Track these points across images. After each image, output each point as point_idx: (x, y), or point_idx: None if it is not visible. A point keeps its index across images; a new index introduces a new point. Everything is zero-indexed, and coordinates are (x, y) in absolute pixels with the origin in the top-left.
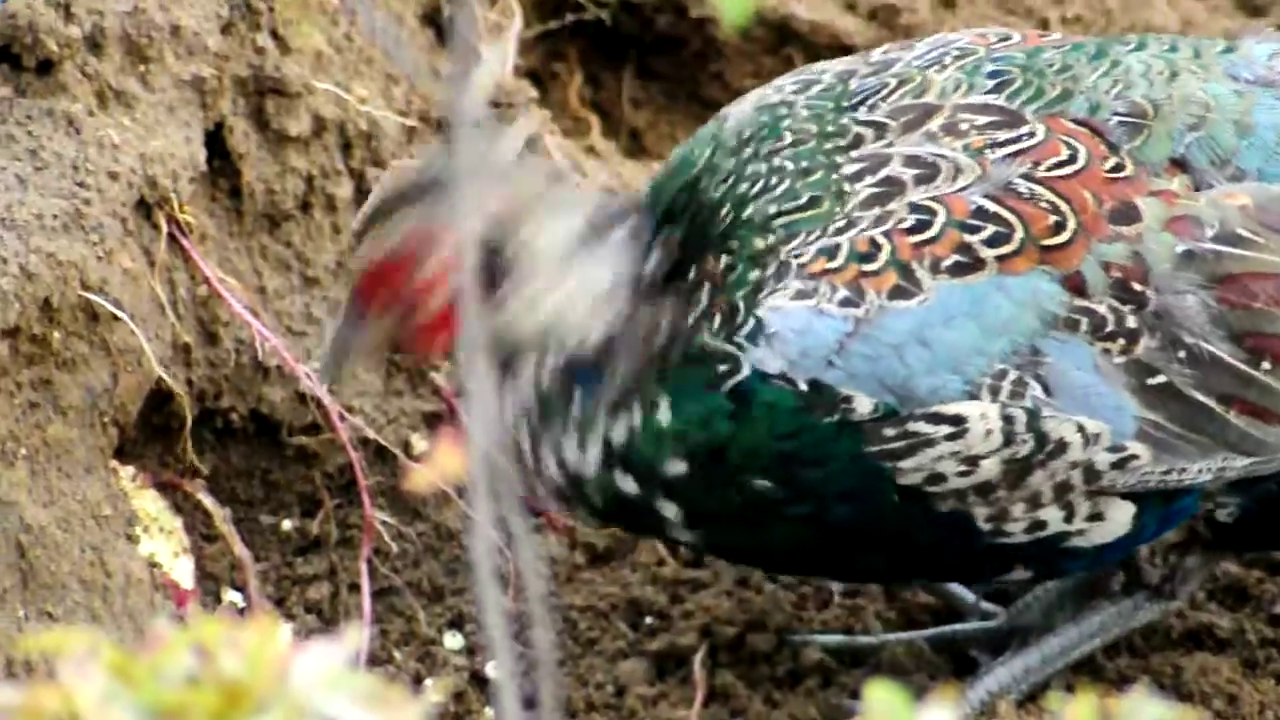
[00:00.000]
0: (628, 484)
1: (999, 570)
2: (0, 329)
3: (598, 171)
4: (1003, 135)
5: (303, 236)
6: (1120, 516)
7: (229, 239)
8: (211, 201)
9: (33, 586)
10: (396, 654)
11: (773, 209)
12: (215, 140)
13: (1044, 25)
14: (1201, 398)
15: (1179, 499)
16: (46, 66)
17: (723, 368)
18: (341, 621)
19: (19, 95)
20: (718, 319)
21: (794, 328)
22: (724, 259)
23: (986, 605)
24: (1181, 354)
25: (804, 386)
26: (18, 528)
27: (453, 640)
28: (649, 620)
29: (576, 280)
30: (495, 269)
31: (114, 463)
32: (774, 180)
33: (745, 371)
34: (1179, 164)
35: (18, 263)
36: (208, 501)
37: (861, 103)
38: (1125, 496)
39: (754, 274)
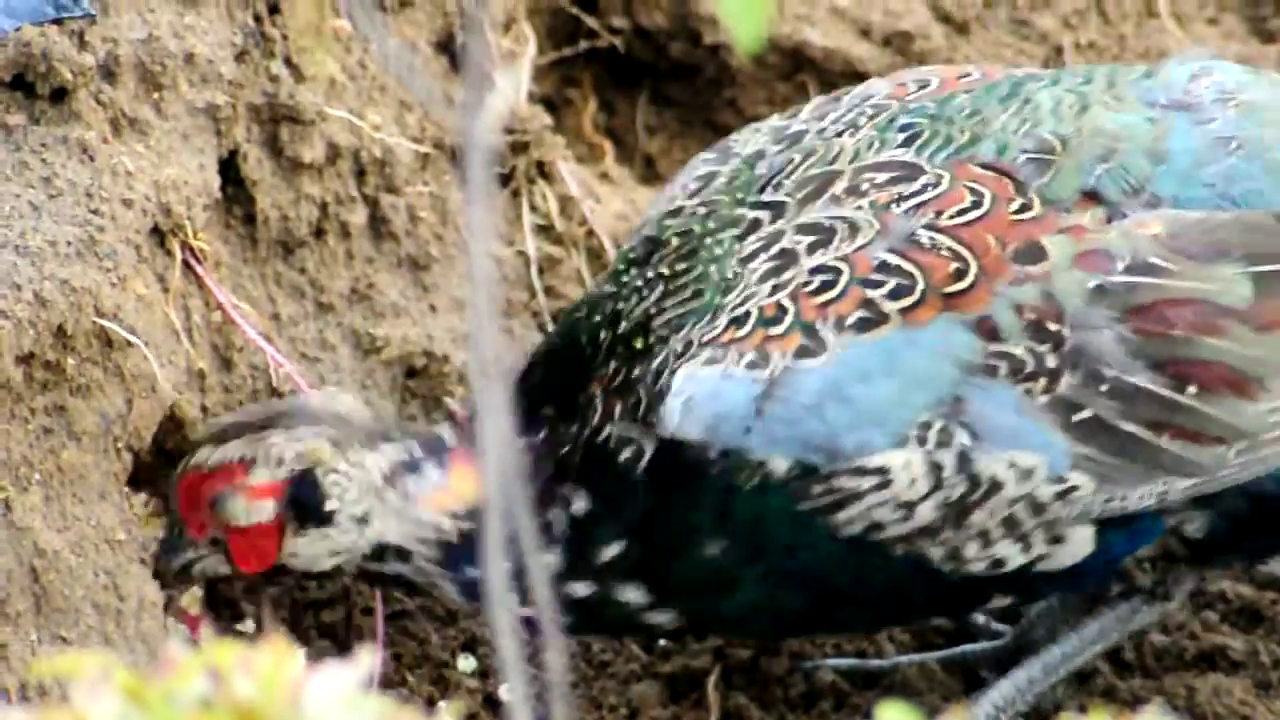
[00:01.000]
0: (580, 588)
1: (978, 601)
2: (14, 355)
3: (612, 198)
4: (905, 189)
5: (316, 263)
6: (1080, 537)
7: (243, 265)
8: (225, 228)
9: (46, 610)
10: (409, 677)
11: (652, 311)
12: (229, 167)
13: (1057, 51)
14: (1131, 428)
15: (1138, 520)
16: (60, 94)
17: (629, 451)
18: (354, 645)
19: (33, 123)
20: (618, 409)
21: (706, 393)
22: (610, 365)
23: (997, 625)
24: (1104, 387)
25: (717, 455)
26: (32, 552)
27: (465, 663)
28: (662, 643)
29: (394, 504)
30: (307, 501)
31: (128, 488)
32: (648, 290)
33: (651, 450)
34: (1091, 196)
35: (32, 289)
36: None
37: (767, 185)
38: (1081, 522)
39: (642, 366)
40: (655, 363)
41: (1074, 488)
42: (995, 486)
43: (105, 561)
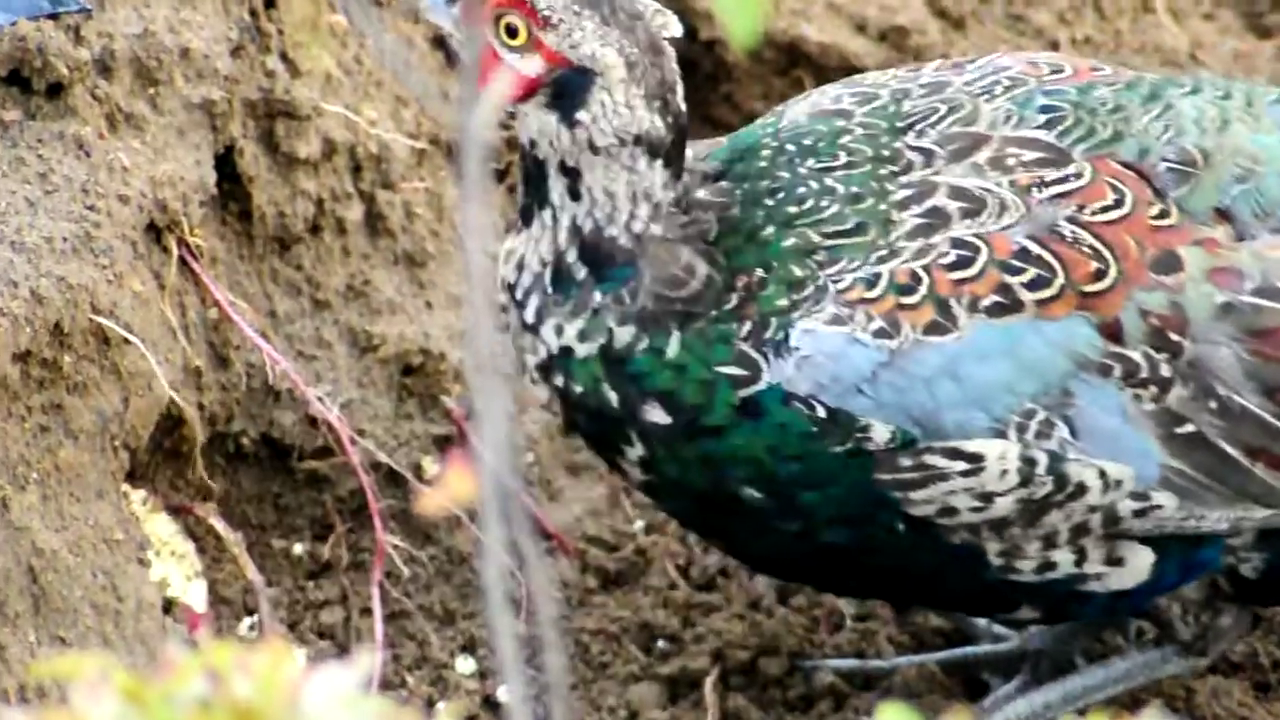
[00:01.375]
0: (609, 391)
1: (1004, 607)
2: (11, 353)
3: None
4: (1050, 174)
5: (313, 259)
6: (1140, 563)
7: (239, 262)
8: (222, 225)
9: (44, 611)
10: (408, 678)
11: (816, 235)
12: (225, 163)
13: (1054, 46)
14: (1229, 448)
15: (1200, 549)
16: (56, 89)
17: (738, 371)
18: (353, 646)
19: (29, 118)
20: (747, 326)
21: (827, 352)
22: (759, 272)
23: (998, 629)
24: (1212, 404)
25: (823, 413)
26: (29, 552)
27: (465, 664)
28: (661, 644)
29: (630, 170)
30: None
31: (125, 487)
32: (823, 203)
33: (762, 384)
34: (1223, 214)
35: (28, 286)
36: (220, 526)
37: (912, 126)
38: (1144, 541)
39: (782, 300)
40: (797, 297)
41: (1156, 506)
42: (1080, 491)
43: (103, 561)
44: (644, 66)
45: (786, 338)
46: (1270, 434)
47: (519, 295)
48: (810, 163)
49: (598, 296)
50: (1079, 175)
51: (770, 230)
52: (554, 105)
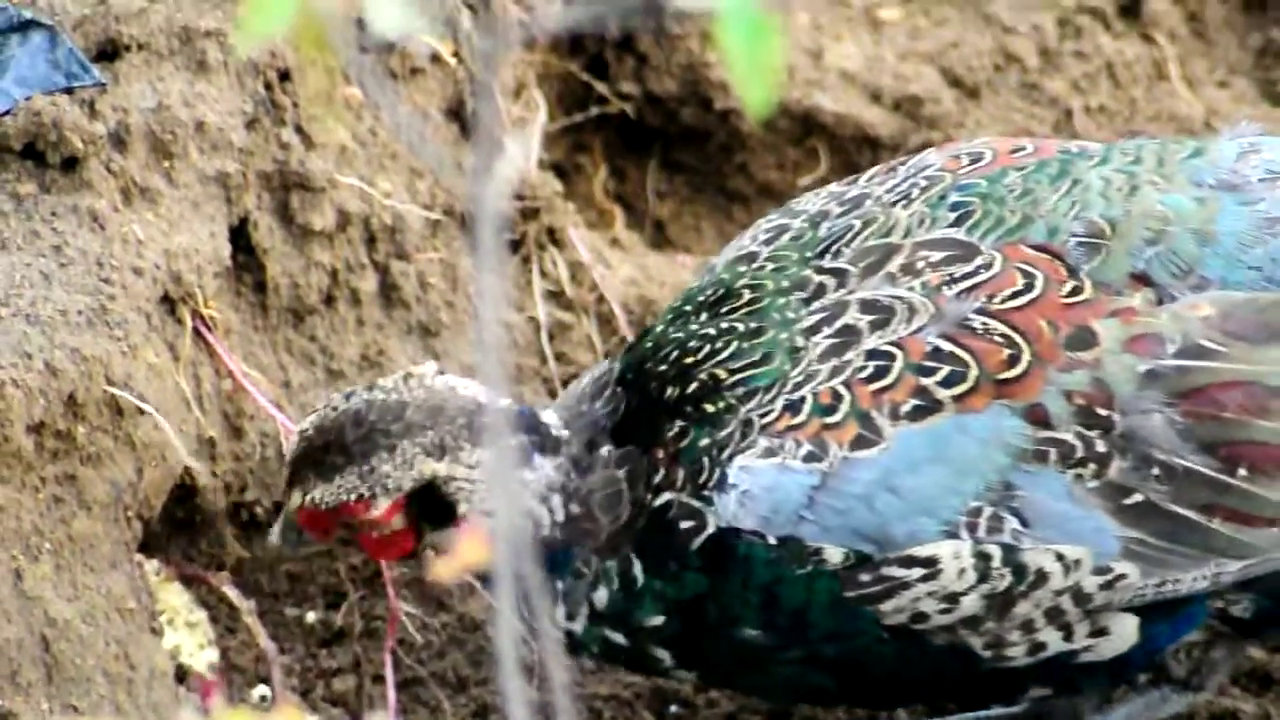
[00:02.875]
0: (617, 637)
1: (1015, 690)
2: (25, 424)
3: (622, 264)
4: (959, 270)
5: (327, 330)
6: (1125, 629)
7: (253, 333)
8: (236, 296)
9: (58, 680)
10: None
11: (722, 371)
12: (240, 235)
13: (1067, 115)
14: (1182, 510)
15: (1184, 606)
16: (71, 163)
17: (689, 524)
18: (366, 713)
19: (44, 192)
20: (680, 477)
21: (763, 485)
22: (675, 426)
23: None
24: (1155, 471)
25: (774, 541)
26: (43, 622)
27: None
28: (674, 709)
29: (516, 487)
30: (435, 506)
31: (139, 556)
32: (721, 344)
33: (712, 528)
34: (1141, 279)
35: (43, 358)
36: (232, 594)
37: (828, 249)
38: (1126, 610)
39: (708, 436)
40: (722, 434)
41: (1121, 576)
42: (1041, 578)
43: (116, 630)
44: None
45: (724, 477)
46: (1220, 489)
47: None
48: (706, 315)
49: (560, 585)
50: (988, 266)
51: (668, 390)
52: (430, 522)
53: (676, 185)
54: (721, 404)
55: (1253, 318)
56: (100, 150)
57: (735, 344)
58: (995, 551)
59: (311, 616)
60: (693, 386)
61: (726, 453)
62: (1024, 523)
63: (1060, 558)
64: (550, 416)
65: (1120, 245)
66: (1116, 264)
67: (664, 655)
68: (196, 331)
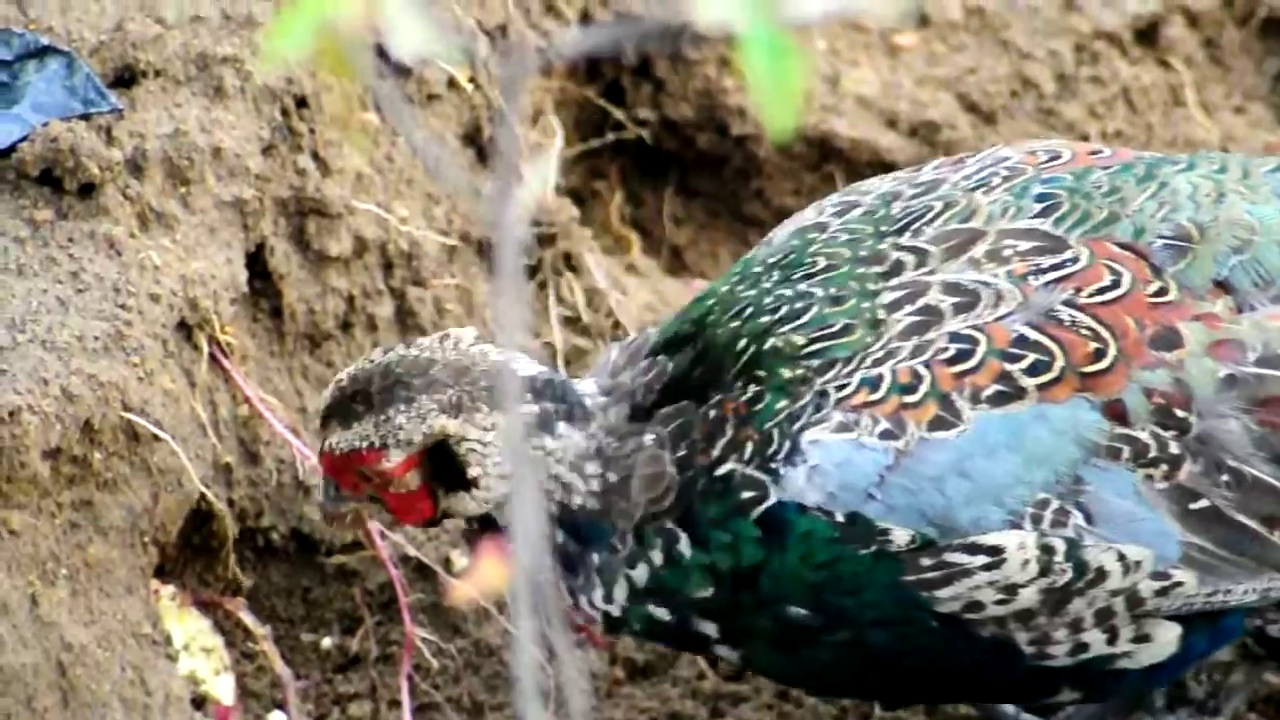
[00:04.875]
0: (661, 612)
1: (1045, 692)
2: (41, 450)
3: (639, 290)
4: (1046, 261)
5: (343, 356)
6: (1167, 637)
7: (270, 359)
8: (253, 322)
9: (74, 705)
10: None
11: (800, 338)
12: (256, 261)
13: (1084, 140)
14: (1245, 520)
15: (1226, 618)
16: (88, 189)
17: (749, 494)
18: None
19: (60, 218)
20: (749, 448)
21: (835, 461)
22: (749, 389)
23: (1027, 717)
24: (1225, 477)
25: (841, 518)
26: (59, 647)
27: None
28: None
29: (545, 455)
30: (449, 466)
31: (155, 582)
32: (800, 306)
33: (773, 499)
34: (1222, 286)
35: (59, 384)
36: (249, 619)
37: (905, 227)
38: (1171, 618)
39: (784, 403)
40: (796, 405)
41: (1178, 584)
42: (1101, 576)
43: (132, 656)
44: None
45: (794, 449)
46: None
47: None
48: (778, 275)
49: (595, 559)
50: (1075, 260)
51: (741, 346)
52: (443, 484)
53: (693, 211)
54: (799, 371)
55: None
56: (117, 176)
57: (815, 309)
58: (1059, 545)
59: (327, 642)
60: (769, 346)
61: (799, 424)
62: (1089, 519)
63: (1122, 558)
64: (585, 385)
65: (1207, 250)
66: (1201, 268)
67: (710, 629)
68: (213, 357)
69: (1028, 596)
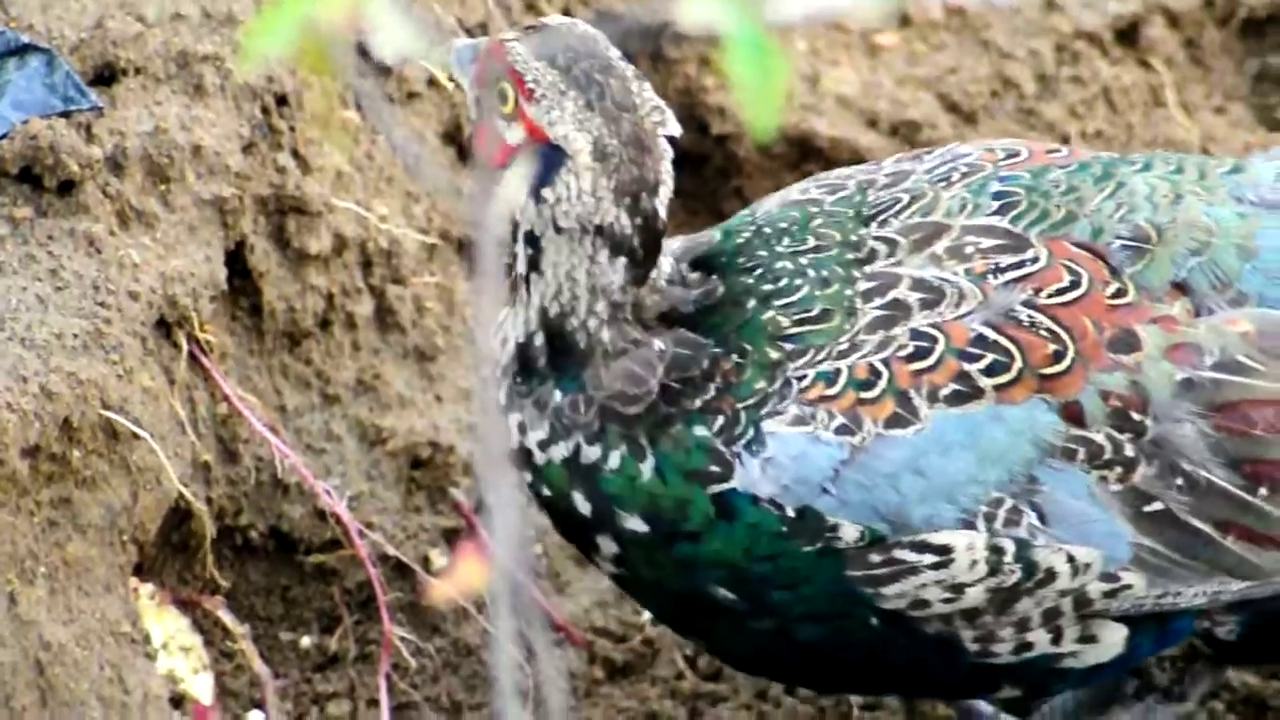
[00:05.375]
0: (579, 499)
1: (986, 689)
2: (20, 448)
3: None
4: (1006, 260)
5: (322, 354)
6: (1113, 638)
7: (249, 357)
8: (232, 320)
9: (52, 704)
10: None
11: (786, 319)
12: (236, 259)
13: (1064, 140)
14: (1198, 524)
15: (1174, 620)
16: (68, 187)
17: (712, 469)
18: None
19: (40, 215)
20: (720, 421)
21: (790, 454)
22: (737, 358)
23: (1006, 717)
24: (1179, 481)
25: (791, 512)
26: (37, 645)
27: None
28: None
29: (583, 255)
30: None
31: (134, 580)
32: (796, 283)
33: (732, 483)
34: (1180, 288)
35: (38, 382)
36: (227, 618)
37: (877, 216)
38: (1118, 619)
39: (760, 384)
40: (768, 387)
41: (1127, 586)
42: (1050, 577)
43: (110, 654)
44: (620, 159)
45: (755, 437)
46: (1239, 506)
47: (497, 373)
48: (785, 242)
49: (557, 396)
50: (1035, 259)
51: (751, 304)
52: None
53: (673, 208)
54: (778, 354)
55: None
56: (97, 174)
57: (805, 290)
58: (1008, 545)
59: (306, 641)
60: (764, 318)
61: (764, 410)
62: (1042, 518)
63: (1071, 559)
64: (665, 261)
65: (1165, 252)
66: (1159, 270)
67: (610, 547)
68: (192, 355)
69: (974, 595)
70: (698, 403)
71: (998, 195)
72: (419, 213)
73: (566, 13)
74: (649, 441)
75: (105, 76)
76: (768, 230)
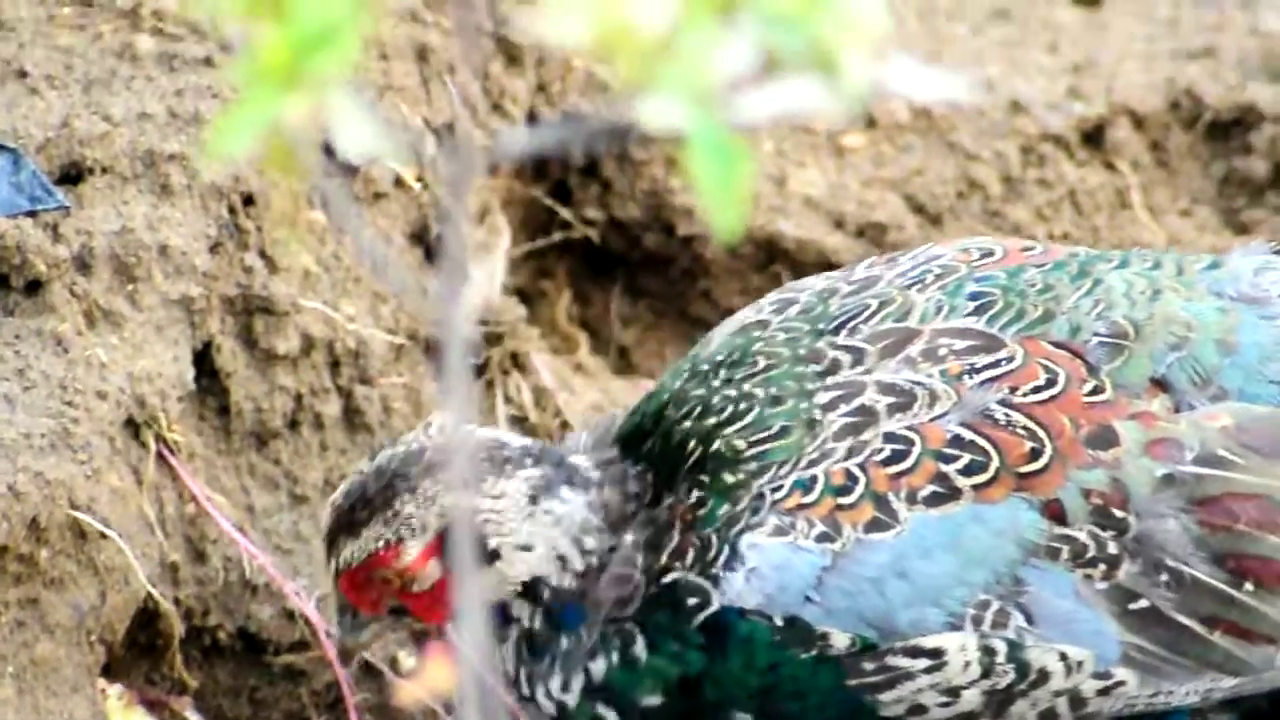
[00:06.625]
0: (610, 714)
1: None
2: None
3: (586, 389)
4: (981, 360)
5: (290, 454)
6: None
7: (217, 457)
8: (200, 420)
9: None
10: None
11: (741, 442)
12: (203, 359)
13: None
14: (1185, 620)
15: (1169, 718)
16: (35, 286)
17: (693, 600)
18: None
19: (7, 315)
20: (690, 554)
21: (772, 564)
22: (694, 494)
23: None
24: (1164, 577)
25: (780, 621)
26: None
27: None
28: None
29: (546, 524)
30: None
31: (101, 680)
32: (743, 408)
33: (716, 605)
34: (1160, 384)
35: (5, 482)
36: (195, 719)
37: (841, 326)
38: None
39: (725, 508)
40: (736, 509)
41: (1120, 683)
42: (1043, 677)
43: None
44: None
45: (733, 554)
46: (1225, 602)
47: (514, 679)
48: (724, 374)
49: (564, 643)
50: (1010, 359)
51: (691, 447)
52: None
53: (640, 311)
54: (739, 476)
55: (1270, 432)
56: (64, 273)
57: (756, 411)
58: (1000, 646)
59: None
60: (714, 449)
61: (736, 529)
62: (1029, 619)
63: (1064, 658)
64: (578, 459)
65: (1143, 348)
66: (1138, 367)
67: None
68: (160, 455)
69: (970, 698)
70: (664, 558)
71: (974, 296)
72: (386, 313)
73: (532, 114)
74: (635, 623)
75: (72, 176)
76: (704, 368)
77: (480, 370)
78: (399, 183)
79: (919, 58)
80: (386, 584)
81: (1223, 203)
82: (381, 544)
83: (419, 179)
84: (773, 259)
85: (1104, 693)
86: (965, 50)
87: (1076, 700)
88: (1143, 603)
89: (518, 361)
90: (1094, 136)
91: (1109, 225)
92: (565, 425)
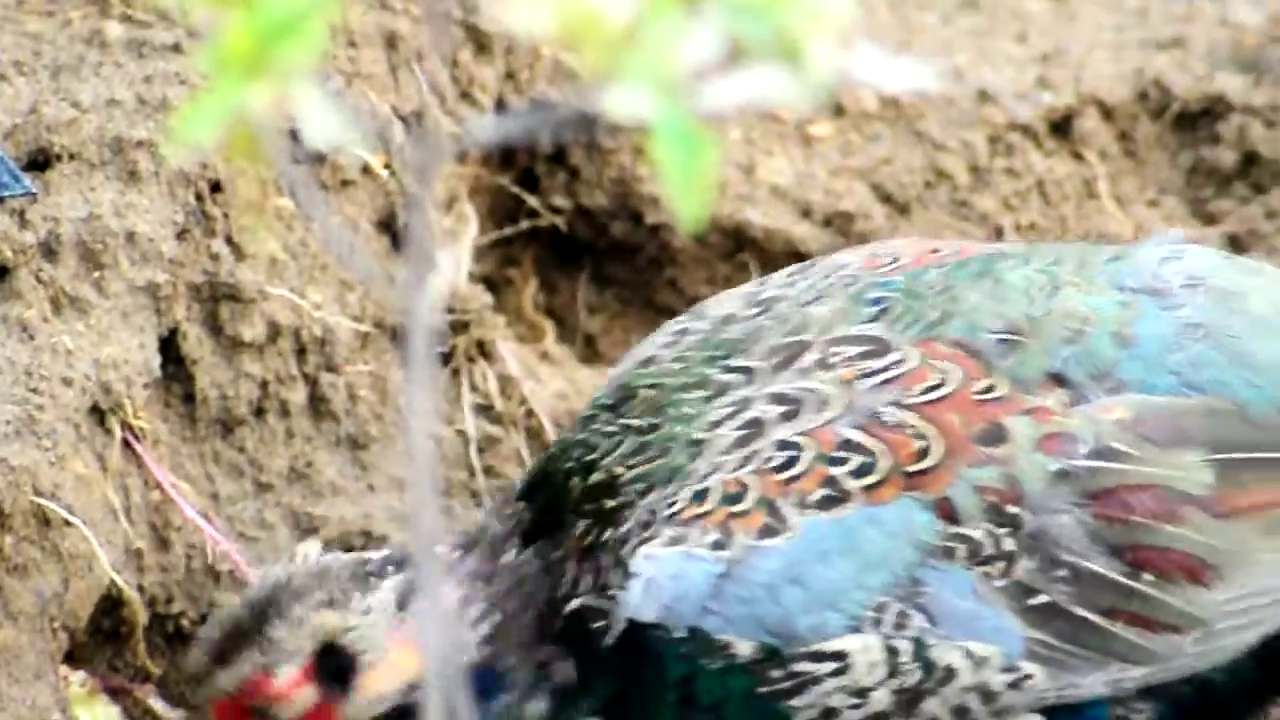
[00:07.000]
0: None
1: None
2: None
3: (552, 378)
4: (873, 365)
5: (256, 442)
6: None
7: (182, 444)
8: (165, 407)
9: None
10: None
11: (620, 468)
12: (169, 346)
13: (997, 232)
14: (1085, 613)
15: (1088, 709)
16: (1, 273)
17: (598, 624)
18: None
19: None
20: (587, 581)
21: (667, 574)
22: (580, 524)
23: None
24: (1061, 572)
25: (683, 633)
26: None
27: None
28: None
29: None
30: (340, 665)
31: (64, 668)
32: (618, 440)
33: (619, 622)
34: (1057, 379)
35: None
36: (158, 706)
37: (735, 350)
38: (1035, 710)
39: (609, 532)
40: (622, 530)
41: (1027, 676)
42: (950, 674)
43: None
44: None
45: (627, 569)
46: (1124, 593)
47: None
48: (605, 416)
49: (493, 707)
50: (902, 361)
51: (572, 484)
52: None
53: (607, 299)
54: (621, 499)
55: (1166, 422)
56: (30, 260)
57: (631, 439)
58: (904, 646)
59: None
60: (592, 480)
61: (628, 546)
62: (931, 620)
63: (969, 654)
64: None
65: (1038, 344)
66: (1033, 362)
67: None
68: (125, 442)
69: (880, 699)
70: (563, 590)
71: (875, 302)
72: (353, 300)
73: (500, 103)
74: (557, 658)
75: (39, 162)
76: (591, 412)
77: (446, 358)
78: (366, 170)
79: (888, 47)
80: (261, 715)
81: (1190, 193)
82: (253, 670)
83: (386, 167)
84: (740, 247)
85: (1014, 686)
86: (934, 39)
87: (987, 695)
88: (1042, 598)
89: (484, 349)
90: (1062, 126)
91: (1076, 215)
92: (530, 414)
